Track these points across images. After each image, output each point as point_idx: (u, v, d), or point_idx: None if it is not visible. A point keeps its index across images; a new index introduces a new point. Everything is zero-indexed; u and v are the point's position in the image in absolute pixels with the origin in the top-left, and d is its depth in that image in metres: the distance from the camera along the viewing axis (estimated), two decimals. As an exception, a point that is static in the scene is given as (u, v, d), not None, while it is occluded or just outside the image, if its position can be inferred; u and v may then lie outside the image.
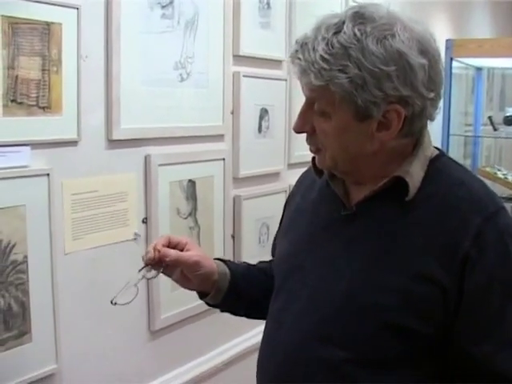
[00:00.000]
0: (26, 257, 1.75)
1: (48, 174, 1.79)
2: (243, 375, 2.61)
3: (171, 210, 2.24)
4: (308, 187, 1.42)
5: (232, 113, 2.46)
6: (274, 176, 2.78)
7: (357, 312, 1.18)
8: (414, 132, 1.20)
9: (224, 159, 2.44)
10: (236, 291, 1.44)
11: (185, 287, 1.43)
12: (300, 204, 1.42)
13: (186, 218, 2.31)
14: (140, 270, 1.37)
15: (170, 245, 1.36)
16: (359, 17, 1.11)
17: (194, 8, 2.19)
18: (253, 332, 2.67)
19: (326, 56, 1.09)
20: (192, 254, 1.36)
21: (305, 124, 1.21)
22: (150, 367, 2.26)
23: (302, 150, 2.85)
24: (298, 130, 1.22)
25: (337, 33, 1.10)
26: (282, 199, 2.74)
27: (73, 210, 1.89)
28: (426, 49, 1.13)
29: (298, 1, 2.70)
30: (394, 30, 1.10)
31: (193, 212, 2.34)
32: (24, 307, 1.76)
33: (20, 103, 1.69)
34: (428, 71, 1.13)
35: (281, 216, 1.55)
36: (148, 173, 2.12)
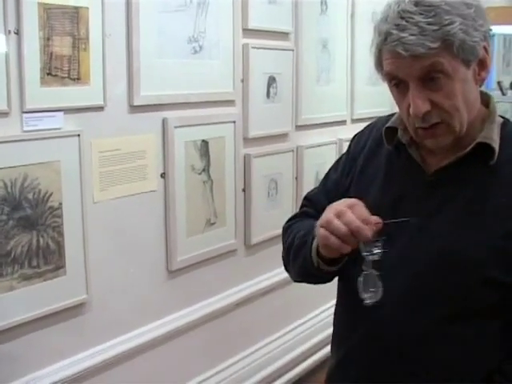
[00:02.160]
0: (60, 204, 2.09)
1: (79, 135, 2.12)
2: (251, 316, 2.96)
3: (186, 166, 2.56)
4: (372, 151, 1.44)
5: (242, 81, 2.76)
6: (282, 137, 3.08)
7: (449, 269, 1.24)
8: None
9: (235, 122, 2.75)
10: None
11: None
12: (367, 168, 1.44)
13: (200, 174, 2.63)
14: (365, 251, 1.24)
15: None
16: None
17: (204, -13, 2.48)
18: (260, 278, 3.01)
19: (429, 20, 1.14)
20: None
21: (424, 102, 1.20)
22: (169, 303, 2.60)
23: (309, 114, 3.18)
24: (421, 111, 1.21)
25: (416, 2, 1.17)
26: (289, 158, 3.08)
27: (100, 165, 2.23)
28: None
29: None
30: None
31: (206, 168, 2.66)
32: (59, 246, 2.11)
33: (54, 75, 2.01)
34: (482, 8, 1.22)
35: (327, 172, 1.58)
36: (165, 134, 2.44)
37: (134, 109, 2.32)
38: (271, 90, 2.91)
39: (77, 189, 2.14)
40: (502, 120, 1.33)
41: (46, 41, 1.97)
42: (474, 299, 1.24)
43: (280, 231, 1.62)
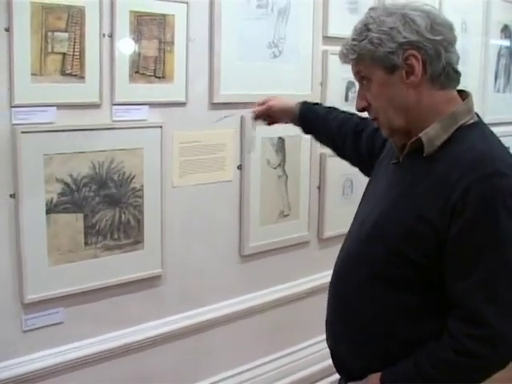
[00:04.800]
0: (142, 186, 2.39)
1: (161, 127, 2.41)
2: (318, 307, 3.10)
3: (262, 160, 2.80)
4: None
5: (321, 84, 2.96)
6: (360, 139, 3.23)
7: (376, 238, 1.49)
8: (440, 80, 1.43)
9: (312, 122, 2.94)
10: (308, 118, 2.09)
11: (282, 121, 2.19)
12: (381, 159, 1.72)
13: (275, 168, 2.86)
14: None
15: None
16: (372, 8, 1.49)
17: (286, -2, 2.71)
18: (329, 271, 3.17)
19: (354, 36, 1.46)
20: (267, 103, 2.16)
21: (361, 100, 1.51)
22: (239, 285, 2.84)
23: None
24: (358, 106, 1.53)
25: (360, 22, 1.48)
26: (367, 159, 3.21)
27: (180, 154, 2.51)
28: (427, 11, 1.43)
29: (387, -12, 3.11)
30: (398, 7, 1.44)
31: (282, 163, 2.88)
32: (139, 223, 2.40)
33: (142, 74, 2.32)
34: (430, 22, 1.40)
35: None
36: (243, 130, 2.69)
37: (214, 106, 2.58)
38: (350, 93, 3.09)
39: (157, 174, 2.43)
40: (472, 121, 1.46)
41: (136, 43, 2.28)
42: (391, 267, 1.46)
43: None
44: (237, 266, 2.82)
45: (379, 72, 1.44)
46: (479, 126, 1.47)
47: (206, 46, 2.52)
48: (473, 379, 1.40)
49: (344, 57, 1.51)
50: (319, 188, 3.09)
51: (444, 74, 1.43)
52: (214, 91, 2.55)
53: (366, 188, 1.73)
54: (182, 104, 2.48)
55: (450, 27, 1.45)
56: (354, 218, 1.68)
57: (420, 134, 1.44)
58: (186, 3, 2.38)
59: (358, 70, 1.49)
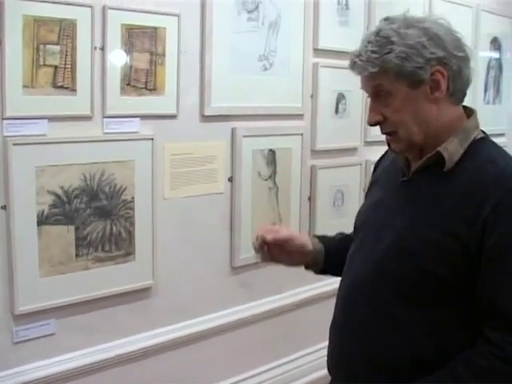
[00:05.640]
0: (133, 197, 2.40)
1: (152, 139, 2.42)
2: (309, 317, 3.14)
3: (253, 173, 2.82)
4: (386, 164, 1.68)
5: (311, 96, 2.99)
6: (350, 151, 3.27)
7: (401, 258, 1.44)
8: (457, 97, 1.45)
9: (302, 134, 2.98)
10: (331, 262, 1.77)
11: (289, 264, 1.79)
12: (378, 175, 1.71)
13: (266, 180, 2.88)
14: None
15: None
16: (387, 19, 1.45)
17: (276, 11, 2.74)
18: (323, 282, 3.17)
19: (374, 49, 1.40)
20: (284, 231, 1.72)
21: (376, 115, 1.46)
22: (230, 296, 2.85)
23: (379, 130, 3.33)
24: (372, 121, 1.47)
25: (377, 33, 1.43)
26: (357, 171, 3.25)
27: (171, 166, 2.52)
28: (446, 25, 1.44)
29: (377, 1, 3.14)
30: (417, 19, 1.43)
31: (272, 175, 2.90)
32: (130, 235, 2.41)
33: (133, 86, 2.33)
34: (454, 37, 1.43)
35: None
36: (234, 142, 2.71)
37: (205, 118, 2.60)
38: (340, 106, 3.11)
39: (148, 185, 2.44)
40: (480, 135, 1.49)
41: (127, 56, 2.29)
42: (417, 285, 1.41)
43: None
44: (228, 278, 2.83)
45: (403, 86, 1.42)
46: (489, 141, 1.50)
47: (198, 59, 2.54)
48: None
49: (362, 69, 1.44)
50: (310, 199, 3.10)
51: (461, 90, 1.46)
52: (205, 103, 2.57)
53: (365, 210, 1.67)
54: (174, 116, 2.49)
55: (465, 43, 1.46)
56: (358, 242, 1.61)
57: (439, 149, 1.43)
58: (178, 16, 2.40)
59: (378, 83, 1.44)
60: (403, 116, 1.44)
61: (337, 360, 1.60)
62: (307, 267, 1.81)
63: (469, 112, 1.51)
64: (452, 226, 1.38)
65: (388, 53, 1.39)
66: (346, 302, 1.58)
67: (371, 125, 1.49)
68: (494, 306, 1.37)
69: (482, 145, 1.47)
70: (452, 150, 1.44)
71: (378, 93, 1.45)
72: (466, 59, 1.44)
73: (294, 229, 3.00)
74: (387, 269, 1.47)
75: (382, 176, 1.66)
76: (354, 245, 1.63)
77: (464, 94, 1.48)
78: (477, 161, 1.42)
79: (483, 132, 1.51)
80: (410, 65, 1.39)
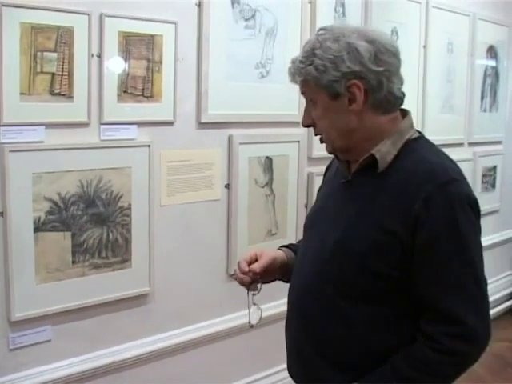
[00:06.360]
0: (130, 204, 2.40)
1: (149, 146, 2.43)
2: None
3: (250, 180, 2.82)
4: (334, 167, 1.73)
5: (308, 104, 2.99)
6: (347, 158, 3.26)
7: (345, 258, 1.49)
8: (382, 106, 1.48)
9: (299, 141, 2.99)
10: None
11: (272, 281, 1.78)
12: (326, 178, 1.77)
13: (262, 187, 2.89)
14: (248, 293, 1.69)
15: (249, 262, 1.69)
16: (322, 29, 1.50)
17: (273, 19, 2.76)
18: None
19: (302, 59, 1.47)
20: (266, 256, 1.70)
21: (306, 118, 1.55)
22: (228, 303, 2.84)
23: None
24: (304, 123, 1.57)
25: (307, 43, 1.49)
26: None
27: (168, 173, 2.53)
28: (372, 39, 1.45)
29: (373, 9, 3.15)
30: (345, 33, 1.46)
31: (269, 182, 2.91)
32: (127, 241, 2.42)
33: (130, 93, 2.34)
34: (374, 52, 1.44)
35: None
36: (230, 149, 2.72)
37: (202, 125, 2.61)
38: (337, 114, 3.12)
39: (145, 192, 2.45)
40: (415, 135, 1.53)
41: (124, 63, 2.30)
42: (362, 283, 1.46)
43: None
44: (224, 285, 2.83)
45: (323, 96, 1.47)
46: (423, 139, 1.55)
47: (194, 66, 2.55)
48: (450, 375, 1.45)
49: (292, 76, 1.53)
50: (307, 206, 3.11)
51: (385, 101, 1.48)
52: (202, 111, 2.58)
53: (314, 211, 1.72)
54: (170, 123, 2.50)
55: (394, 54, 1.48)
56: (307, 241, 1.67)
57: (372, 151, 1.48)
58: (175, 24, 2.41)
59: (304, 90, 1.52)
60: (324, 123, 1.51)
61: (294, 358, 1.67)
62: (288, 280, 1.76)
63: (403, 113, 1.55)
64: (389, 224, 1.42)
65: (310, 64, 1.45)
66: (298, 300, 1.63)
67: (304, 126, 1.58)
68: (427, 299, 1.43)
69: (416, 144, 1.51)
70: (384, 151, 1.49)
71: (308, 101, 1.54)
72: (386, 73, 1.46)
73: (290, 236, 3.02)
74: (333, 268, 1.51)
75: (330, 178, 1.72)
76: (304, 245, 1.68)
77: (391, 105, 1.50)
78: (411, 159, 1.47)
79: (418, 132, 1.55)
80: (327, 78, 1.44)
